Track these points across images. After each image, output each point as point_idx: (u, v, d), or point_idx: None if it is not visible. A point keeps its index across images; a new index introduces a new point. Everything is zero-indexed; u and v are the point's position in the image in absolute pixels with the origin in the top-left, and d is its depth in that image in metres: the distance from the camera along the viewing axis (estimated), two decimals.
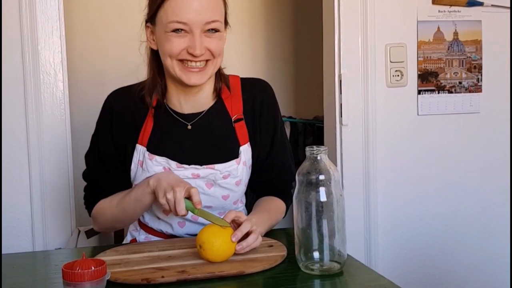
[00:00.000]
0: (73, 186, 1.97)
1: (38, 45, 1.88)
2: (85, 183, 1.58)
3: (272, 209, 1.50)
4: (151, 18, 1.39)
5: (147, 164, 1.42)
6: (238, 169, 1.44)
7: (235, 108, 1.48)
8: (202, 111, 1.47)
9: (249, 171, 1.50)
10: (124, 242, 1.63)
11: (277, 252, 1.27)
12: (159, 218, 1.49)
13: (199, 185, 1.41)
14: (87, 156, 1.55)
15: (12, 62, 1.88)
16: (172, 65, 1.37)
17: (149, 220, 1.51)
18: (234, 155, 1.45)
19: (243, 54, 3.26)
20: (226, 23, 1.43)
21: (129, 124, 1.46)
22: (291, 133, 3.09)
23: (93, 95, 2.89)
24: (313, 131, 3.09)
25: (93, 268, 1.04)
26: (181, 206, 1.27)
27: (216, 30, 1.36)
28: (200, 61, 1.35)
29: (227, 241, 1.21)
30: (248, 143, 1.48)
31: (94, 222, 1.58)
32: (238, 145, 1.46)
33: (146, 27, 1.43)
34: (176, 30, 1.33)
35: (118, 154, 1.48)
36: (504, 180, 2.24)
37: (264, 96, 1.53)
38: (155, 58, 1.45)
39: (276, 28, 3.31)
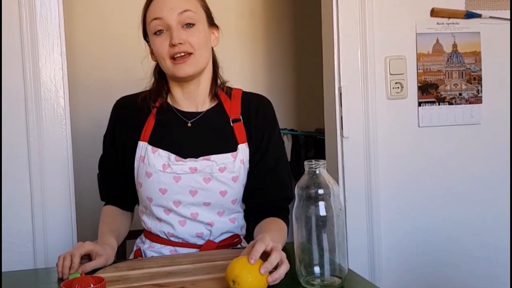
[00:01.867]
0: (75, 202, 1.97)
1: (39, 61, 1.90)
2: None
3: (281, 229, 1.50)
4: (145, 35, 1.56)
5: (148, 158, 1.50)
6: (235, 165, 1.49)
7: (234, 110, 1.57)
8: (202, 111, 1.56)
9: (246, 173, 1.53)
10: (131, 253, 1.66)
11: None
12: (160, 221, 1.52)
13: (197, 179, 1.47)
14: (102, 155, 1.67)
15: (13, 79, 1.89)
16: (166, 65, 1.49)
17: (151, 224, 1.55)
18: (231, 149, 1.51)
19: (244, 66, 3.26)
20: (213, 24, 1.57)
21: (132, 125, 1.56)
22: (292, 145, 3.09)
23: (96, 108, 2.91)
24: (315, 143, 3.09)
25: (92, 285, 1.04)
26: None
27: (192, 24, 1.47)
28: (182, 51, 1.45)
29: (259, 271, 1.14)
30: (246, 143, 1.53)
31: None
32: (236, 143, 1.52)
33: (149, 45, 1.56)
34: (157, 32, 1.47)
35: (117, 156, 1.59)
36: (506, 190, 2.24)
37: (261, 103, 1.62)
38: (157, 71, 1.60)
39: (276, 40, 3.32)
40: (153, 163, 1.49)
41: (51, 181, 1.93)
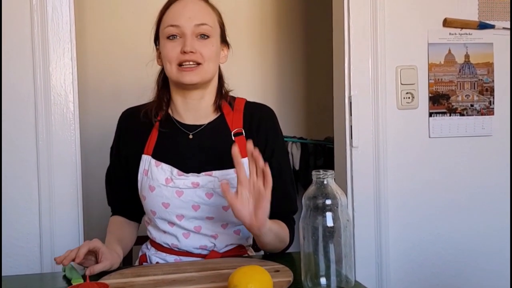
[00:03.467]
0: (82, 206, 1.98)
1: (49, 66, 1.90)
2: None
3: (281, 225, 1.50)
4: (156, 38, 1.57)
5: (152, 172, 1.50)
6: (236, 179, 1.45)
7: (236, 123, 1.56)
8: (204, 124, 1.56)
9: None
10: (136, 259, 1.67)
11: (283, 278, 1.25)
12: (164, 232, 1.53)
13: (199, 195, 1.47)
14: (109, 166, 1.68)
15: (24, 83, 1.90)
16: (172, 70, 1.49)
17: (155, 235, 1.56)
18: (233, 164, 1.45)
19: (254, 74, 3.26)
20: (225, 41, 1.59)
21: (136, 137, 1.57)
22: (301, 154, 3.07)
23: (105, 113, 2.92)
24: (324, 152, 3.07)
25: None
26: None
27: (206, 36, 1.49)
28: (192, 61, 1.47)
29: (262, 281, 1.13)
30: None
31: None
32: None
33: (156, 49, 1.58)
34: (170, 37, 1.48)
35: (122, 168, 1.59)
36: None
37: (263, 114, 1.61)
38: (162, 77, 1.60)
39: (287, 48, 3.31)
40: (156, 177, 1.50)
41: (59, 185, 1.93)
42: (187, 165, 1.50)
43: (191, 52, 1.46)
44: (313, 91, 3.33)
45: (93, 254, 1.36)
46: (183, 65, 1.47)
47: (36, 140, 1.91)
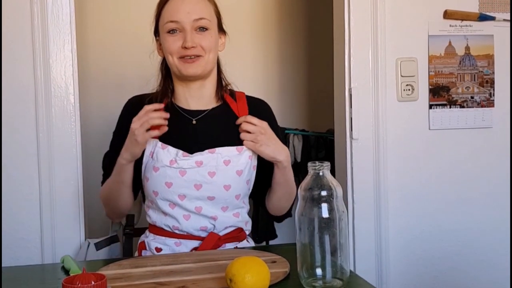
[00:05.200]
0: (83, 198, 1.98)
1: (49, 58, 1.90)
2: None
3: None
4: (156, 30, 1.62)
5: (157, 153, 1.55)
6: (241, 158, 1.55)
7: (242, 110, 1.64)
8: (207, 109, 1.62)
9: (253, 172, 1.60)
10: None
11: (280, 268, 1.26)
12: (165, 214, 1.56)
13: (202, 173, 1.52)
14: (106, 152, 1.74)
15: (24, 75, 1.90)
16: (173, 62, 1.56)
17: (156, 218, 1.60)
18: (237, 144, 1.57)
19: (256, 66, 3.26)
20: (222, 30, 1.64)
21: None
22: (303, 146, 3.07)
23: (107, 105, 2.92)
24: (326, 144, 3.07)
25: (93, 282, 1.04)
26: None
27: (205, 28, 1.55)
28: (193, 54, 1.53)
29: (259, 272, 1.14)
30: None
31: (104, 208, 1.74)
32: (241, 140, 1.57)
33: (156, 40, 1.64)
34: (171, 31, 1.54)
35: None
36: None
37: (265, 108, 1.72)
38: (164, 66, 1.66)
39: (289, 40, 3.31)
40: (161, 158, 1.54)
41: (59, 177, 1.93)
42: (191, 146, 1.56)
43: (192, 47, 1.52)
44: (314, 83, 3.33)
45: None
46: (185, 58, 1.53)
47: (37, 132, 1.91)
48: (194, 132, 1.59)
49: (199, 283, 1.18)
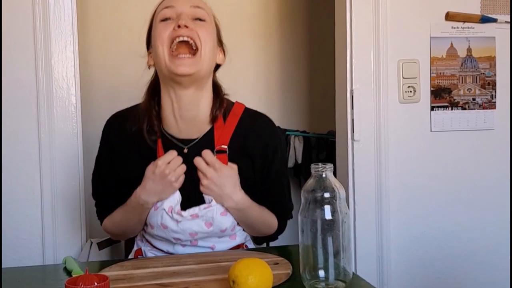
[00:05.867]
0: (84, 198, 1.98)
1: (51, 59, 1.91)
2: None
3: (265, 210, 1.53)
4: (148, 41, 1.48)
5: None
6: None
7: (222, 138, 1.46)
8: (197, 138, 1.47)
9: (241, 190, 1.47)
10: (131, 252, 1.64)
11: (282, 270, 1.26)
12: (161, 240, 1.50)
13: (199, 224, 1.42)
14: (93, 175, 1.60)
15: (26, 76, 1.91)
16: (163, 55, 1.36)
17: (150, 239, 1.53)
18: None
19: (257, 67, 3.26)
20: (220, 44, 1.50)
21: (131, 154, 1.49)
22: (304, 147, 3.07)
23: (107, 108, 2.90)
24: (327, 146, 3.07)
25: (96, 283, 1.04)
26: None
27: (202, 19, 1.40)
28: (187, 36, 1.35)
29: (262, 274, 1.13)
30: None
31: (110, 235, 1.65)
32: None
33: (148, 53, 1.49)
34: (164, 19, 1.39)
35: (118, 181, 1.50)
36: None
37: (258, 133, 1.51)
38: (154, 83, 1.50)
39: (290, 42, 3.31)
40: (163, 201, 1.43)
41: (61, 178, 1.94)
42: (185, 180, 1.41)
43: (186, 26, 1.35)
44: (315, 84, 3.33)
45: None
46: (177, 55, 1.35)
47: (38, 133, 1.91)
48: (186, 163, 1.41)
49: (201, 285, 1.17)
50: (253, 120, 1.52)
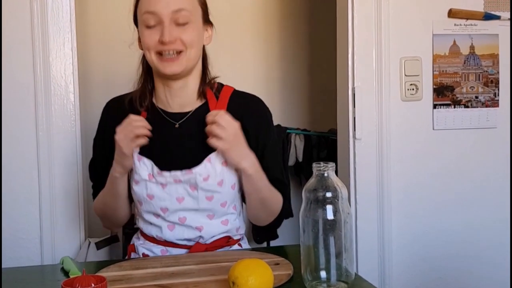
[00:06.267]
0: (83, 197, 1.97)
1: (49, 56, 1.89)
2: None
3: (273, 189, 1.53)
4: (135, 19, 1.52)
5: (135, 165, 1.48)
6: (216, 169, 1.45)
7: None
8: (189, 111, 1.52)
9: (235, 174, 1.49)
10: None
11: (283, 271, 1.24)
12: (150, 223, 1.52)
13: (184, 187, 1.45)
14: (90, 161, 1.67)
15: (23, 73, 1.89)
16: (151, 58, 1.44)
17: (142, 225, 1.55)
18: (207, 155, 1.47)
19: (257, 64, 3.23)
20: (208, 22, 1.52)
21: None
22: (305, 146, 3.05)
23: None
24: (328, 144, 3.05)
25: (93, 285, 1.02)
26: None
27: (185, 23, 1.42)
28: (172, 49, 1.41)
29: (262, 275, 1.12)
30: None
31: (101, 220, 1.68)
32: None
33: (138, 30, 1.52)
34: (148, 26, 1.42)
35: (108, 158, 1.52)
36: None
37: (250, 108, 1.55)
38: (145, 61, 1.54)
39: (291, 39, 3.29)
40: (139, 171, 1.47)
41: (59, 176, 1.92)
42: (171, 160, 1.47)
43: (170, 42, 1.40)
44: (317, 82, 3.31)
45: None
46: (164, 56, 1.42)
47: (36, 131, 1.89)
48: (178, 138, 1.49)
49: (201, 286, 1.16)
50: (245, 98, 1.57)
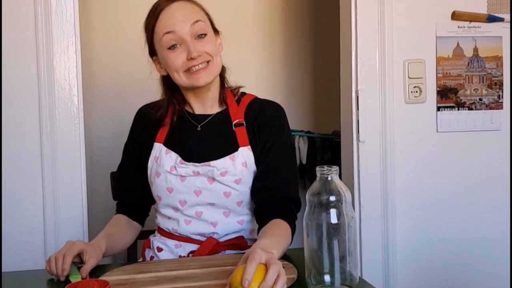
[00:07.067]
0: (87, 201, 1.97)
1: (53, 59, 1.89)
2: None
3: (282, 234, 1.43)
4: (151, 50, 1.57)
5: (161, 158, 1.55)
6: (236, 167, 1.50)
7: (237, 115, 1.58)
8: (211, 114, 1.59)
9: (252, 175, 1.53)
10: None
11: (287, 275, 1.22)
12: (169, 218, 1.57)
13: (202, 180, 1.51)
14: (119, 165, 1.73)
15: (27, 76, 1.89)
16: (180, 78, 1.50)
17: (160, 220, 1.61)
18: (230, 152, 1.53)
19: (261, 67, 3.23)
20: (215, 30, 1.57)
21: (149, 129, 1.62)
22: (308, 148, 3.05)
23: (112, 107, 2.91)
24: (331, 146, 3.05)
25: None
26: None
27: (204, 34, 1.49)
28: (201, 62, 1.48)
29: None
30: (249, 146, 1.54)
31: None
32: (237, 146, 1.53)
33: (153, 60, 1.59)
34: (171, 47, 1.48)
35: (135, 158, 1.63)
36: None
37: (267, 108, 1.61)
38: (165, 81, 1.60)
39: (294, 41, 3.29)
40: (163, 163, 1.55)
41: (63, 179, 1.92)
42: (193, 154, 1.54)
43: (199, 56, 1.46)
44: (320, 84, 3.31)
45: (77, 256, 1.34)
46: (193, 70, 1.48)
47: (40, 134, 1.90)
48: (199, 140, 1.57)
49: None
50: (262, 103, 1.63)
